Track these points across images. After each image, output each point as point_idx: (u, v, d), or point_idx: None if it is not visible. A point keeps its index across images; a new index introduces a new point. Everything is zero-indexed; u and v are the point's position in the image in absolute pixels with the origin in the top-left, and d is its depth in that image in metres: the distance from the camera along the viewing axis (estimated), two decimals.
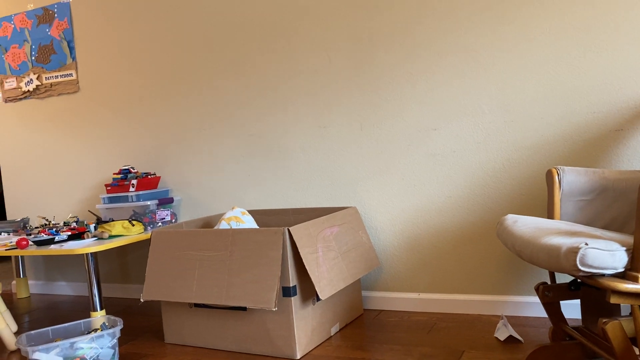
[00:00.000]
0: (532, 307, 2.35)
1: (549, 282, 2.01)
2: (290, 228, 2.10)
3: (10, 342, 2.50)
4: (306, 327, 2.17)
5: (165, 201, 3.07)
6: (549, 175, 1.91)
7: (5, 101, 3.73)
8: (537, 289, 1.83)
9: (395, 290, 2.64)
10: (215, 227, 2.41)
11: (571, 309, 2.27)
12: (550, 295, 1.82)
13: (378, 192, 2.63)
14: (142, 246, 3.33)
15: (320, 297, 2.09)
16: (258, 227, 2.52)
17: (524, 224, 1.76)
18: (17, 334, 2.76)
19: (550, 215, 1.91)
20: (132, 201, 3.00)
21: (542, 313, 2.34)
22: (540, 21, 2.25)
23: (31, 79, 3.58)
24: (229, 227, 2.39)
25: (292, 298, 2.09)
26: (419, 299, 2.57)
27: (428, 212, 2.54)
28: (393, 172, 2.59)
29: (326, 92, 2.70)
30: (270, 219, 2.80)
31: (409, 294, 2.60)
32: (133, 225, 2.79)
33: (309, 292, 2.20)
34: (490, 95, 2.37)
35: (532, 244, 1.58)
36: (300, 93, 2.77)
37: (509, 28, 2.31)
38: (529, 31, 2.28)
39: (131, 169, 3.11)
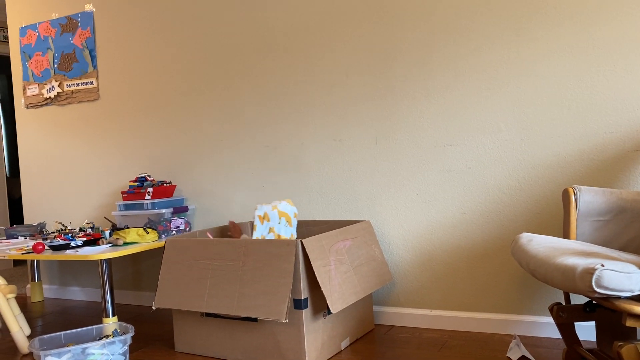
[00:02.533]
0: (546, 327, 2.32)
1: (564, 303, 1.99)
2: (302, 240, 2.10)
3: (23, 345, 2.52)
4: (316, 340, 2.16)
5: (180, 210, 3.10)
6: (566, 195, 1.90)
7: (27, 107, 3.79)
8: (551, 310, 1.81)
9: (407, 306, 2.62)
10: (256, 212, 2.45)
11: (586, 330, 2.23)
12: (565, 316, 1.80)
13: (392, 206, 2.63)
14: (156, 254, 3.35)
15: (332, 310, 2.09)
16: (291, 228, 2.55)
17: (539, 243, 1.74)
18: (30, 337, 2.79)
19: (565, 235, 1.89)
20: (148, 209, 3.03)
21: (555, 334, 2.31)
22: (559, 40, 2.25)
23: (53, 86, 3.65)
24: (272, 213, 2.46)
25: (303, 311, 2.09)
26: (431, 315, 2.55)
27: (442, 228, 2.52)
28: (407, 187, 2.59)
29: (342, 106, 2.72)
30: None
31: (421, 310, 2.58)
32: (147, 232, 2.81)
33: (320, 305, 2.19)
34: (507, 113, 2.36)
35: (546, 264, 1.57)
36: (316, 106, 2.78)
37: (527, 46, 2.31)
38: (548, 50, 2.27)
39: (147, 177, 3.15)
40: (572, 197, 1.88)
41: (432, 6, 2.48)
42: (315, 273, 2.09)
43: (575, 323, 2.21)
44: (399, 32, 2.56)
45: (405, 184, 2.59)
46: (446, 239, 2.52)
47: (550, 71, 2.27)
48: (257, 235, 2.39)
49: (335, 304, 2.11)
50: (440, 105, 2.49)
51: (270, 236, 2.43)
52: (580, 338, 2.23)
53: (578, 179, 2.25)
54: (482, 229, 2.44)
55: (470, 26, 2.41)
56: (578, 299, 2.23)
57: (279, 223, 2.47)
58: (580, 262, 1.43)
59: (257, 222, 2.39)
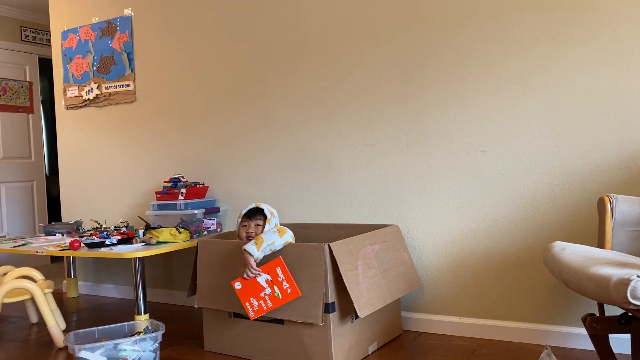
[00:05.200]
0: (579, 338, 2.27)
1: (597, 314, 1.94)
2: (330, 244, 2.11)
3: (59, 339, 2.60)
4: (343, 344, 2.16)
5: (212, 211, 3.14)
6: (601, 203, 1.86)
7: (67, 108, 3.91)
8: (584, 320, 1.77)
9: (435, 313, 2.60)
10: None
11: (621, 343, 2.17)
12: (599, 328, 1.75)
13: (422, 211, 2.61)
14: (187, 254, 3.41)
15: (359, 315, 2.09)
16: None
17: (573, 252, 1.70)
18: (65, 331, 2.87)
19: (600, 244, 1.84)
20: (181, 209, 3.08)
21: (589, 346, 2.25)
22: (596, 45, 2.20)
23: (92, 88, 3.75)
24: None
25: (331, 314, 2.10)
26: (460, 323, 2.52)
27: (473, 234, 2.50)
28: (438, 192, 2.57)
29: (373, 109, 2.72)
30: (311, 233, 2.82)
31: (450, 317, 2.56)
32: (180, 232, 2.86)
33: (347, 309, 2.19)
34: (542, 119, 2.32)
35: (580, 273, 1.54)
36: (347, 110, 2.79)
37: (563, 52, 2.27)
38: (584, 55, 2.23)
39: (181, 178, 3.20)
40: (608, 205, 1.84)
41: (467, 12, 2.46)
42: (343, 277, 2.09)
43: (610, 335, 2.15)
44: (433, 36, 2.54)
45: (436, 190, 2.57)
46: (477, 245, 2.49)
47: (587, 77, 2.23)
48: (270, 225, 2.36)
49: (363, 308, 2.11)
50: (472, 110, 2.47)
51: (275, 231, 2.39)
52: (615, 351, 2.18)
53: (614, 187, 2.20)
54: (514, 237, 2.41)
55: (504, 32, 2.38)
56: (612, 310, 2.18)
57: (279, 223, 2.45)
58: (615, 273, 1.39)
59: (269, 215, 2.38)
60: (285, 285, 2.12)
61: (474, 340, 2.44)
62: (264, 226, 2.35)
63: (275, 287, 2.13)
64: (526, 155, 2.36)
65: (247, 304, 2.15)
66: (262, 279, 2.15)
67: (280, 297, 2.11)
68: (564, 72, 2.27)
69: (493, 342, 2.40)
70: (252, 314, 2.15)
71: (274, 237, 2.19)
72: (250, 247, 2.14)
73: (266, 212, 2.37)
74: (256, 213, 2.40)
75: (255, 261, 2.14)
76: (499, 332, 2.43)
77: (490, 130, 2.43)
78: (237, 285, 2.17)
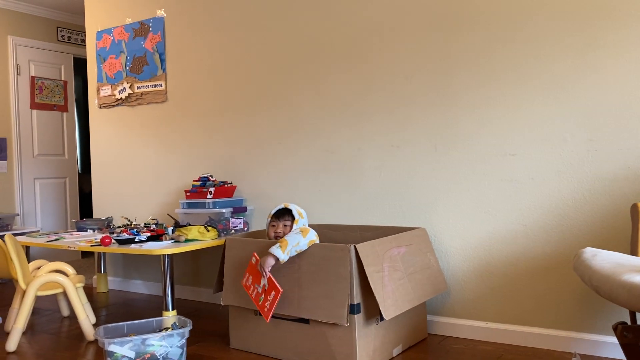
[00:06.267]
0: (609, 347, 2.22)
1: (629, 322, 1.90)
2: (357, 245, 2.11)
3: (89, 332, 2.66)
4: (368, 345, 2.16)
5: (239, 210, 3.18)
6: (634, 210, 1.82)
7: (100, 107, 4.00)
8: (615, 329, 1.73)
9: (461, 317, 2.58)
10: None
11: None
12: (630, 337, 1.72)
13: (449, 215, 2.59)
14: (215, 252, 3.45)
15: (385, 317, 2.08)
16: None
17: (604, 259, 1.67)
18: (95, 325, 2.93)
19: (633, 251, 1.81)
20: (209, 208, 3.12)
21: (619, 354, 2.20)
22: (631, 48, 2.16)
23: (124, 88, 3.83)
24: None
25: (356, 315, 2.10)
26: (487, 327, 2.50)
27: (502, 239, 2.47)
28: (466, 195, 2.55)
29: (402, 111, 2.71)
30: (336, 234, 2.82)
31: (476, 322, 2.53)
32: (208, 230, 2.90)
33: (372, 311, 2.19)
34: (574, 123, 2.29)
35: (611, 280, 1.51)
36: (375, 111, 2.79)
37: (597, 54, 2.23)
38: (619, 58, 2.18)
39: (210, 177, 3.25)
40: None
41: (498, 13, 2.43)
42: (369, 278, 2.09)
43: None
44: (463, 38, 2.52)
45: (464, 193, 2.55)
46: (505, 250, 2.46)
47: (621, 80, 2.18)
48: (298, 225, 2.38)
49: (388, 310, 2.11)
50: (502, 113, 2.44)
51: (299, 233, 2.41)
52: None
53: None
54: (543, 242, 2.37)
55: (536, 34, 2.35)
56: None
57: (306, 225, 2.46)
58: None
59: (297, 217, 2.40)
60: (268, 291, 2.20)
61: (500, 346, 2.41)
62: (291, 227, 2.37)
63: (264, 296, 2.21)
64: (557, 160, 2.33)
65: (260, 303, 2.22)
66: (264, 282, 2.21)
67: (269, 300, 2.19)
68: (597, 75, 2.23)
69: (520, 348, 2.37)
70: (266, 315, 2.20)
71: (297, 238, 2.20)
72: (276, 249, 2.16)
73: (294, 212, 2.39)
74: (284, 213, 2.42)
75: (279, 263, 2.17)
76: (526, 338, 2.40)
77: (521, 134, 2.40)
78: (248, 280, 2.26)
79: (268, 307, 2.18)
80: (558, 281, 2.34)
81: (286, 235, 2.25)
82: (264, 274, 2.18)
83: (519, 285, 2.43)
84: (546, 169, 2.35)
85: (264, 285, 2.20)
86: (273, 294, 2.17)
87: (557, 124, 2.32)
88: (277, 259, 2.17)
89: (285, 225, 2.39)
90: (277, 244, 2.18)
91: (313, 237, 2.24)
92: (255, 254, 2.24)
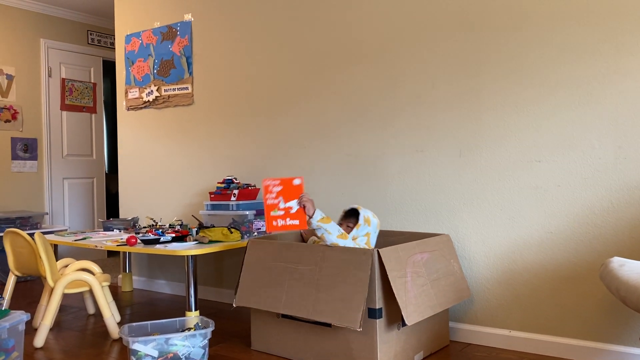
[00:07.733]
0: (636, 359, 2.18)
1: None
2: (380, 250, 2.11)
3: (114, 330, 2.70)
4: (389, 351, 2.15)
5: (263, 212, 3.19)
6: None
7: (128, 109, 4.07)
8: None
9: (484, 325, 2.55)
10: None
11: None
12: None
13: (473, 221, 2.57)
14: (238, 253, 3.48)
15: (407, 322, 2.08)
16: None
17: (632, 269, 1.64)
18: (119, 323, 2.98)
19: None
20: (233, 210, 3.15)
21: None
22: None
23: (151, 90, 3.89)
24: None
25: (377, 320, 2.09)
26: (510, 336, 2.47)
27: (527, 246, 2.44)
28: (491, 202, 2.53)
29: (427, 116, 2.70)
30: None
31: (499, 330, 2.50)
32: (231, 232, 2.92)
33: (394, 316, 2.18)
34: (602, 130, 2.25)
35: (639, 291, 1.48)
36: (400, 116, 2.78)
37: (627, 60, 2.19)
38: None
39: (234, 180, 3.28)
40: None
41: (525, 18, 2.41)
42: (391, 283, 2.09)
43: None
44: (489, 43, 2.51)
45: (489, 199, 2.53)
46: (530, 258, 2.43)
47: None
48: (353, 234, 2.41)
49: (411, 316, 2.10)
50: (529, 118, 2.42)
51: (364, 240, 2.43)
52: None
53: None
54: (569, 250, 2.34)
55: (565, 39, 2.32)
56: None
57: (375, 232, 2.49)
58: None
59: (360, 221, 2.44)
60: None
61: (524, 355, 2.38)
62: (352, 229, 2.45)
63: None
64: (584, 167, 2.29)
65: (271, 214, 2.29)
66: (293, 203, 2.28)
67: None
68: (627, 81, 2.19)
69: (543, 358, 2.34)
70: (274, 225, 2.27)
71: (333, 231, 2.28)
72: (318, 213, 2.26)
73: (360, 217, 2.46)
74: (352, 215, 2.53)
75: (308, 218, 2.27)
76: (550, 347, 2.36)
77: (547, 140, 2.37)
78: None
79: (278, 224, 2.25)
80: (584, 290, 2.30)
81: (332, 223, 2.31)
82: (302, 200, 2.25)
83: (544, 294, 2.39)
84: (573, 176, 2.32)
85: (290, 208, 2.25)
86: (295, 221, 2.24)
87: (584, 130, 2.29)
88: (312, 215, 2.25)
89: (348, 226, 2.50)
90: (324, 216, 2.28)
91: (340, 242, 2.28)
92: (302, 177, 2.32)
